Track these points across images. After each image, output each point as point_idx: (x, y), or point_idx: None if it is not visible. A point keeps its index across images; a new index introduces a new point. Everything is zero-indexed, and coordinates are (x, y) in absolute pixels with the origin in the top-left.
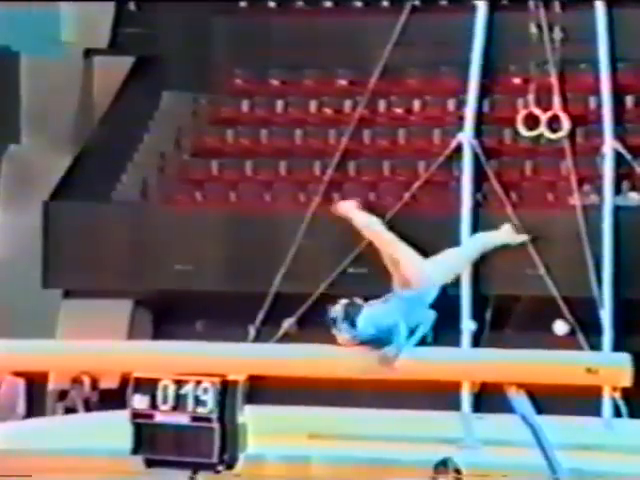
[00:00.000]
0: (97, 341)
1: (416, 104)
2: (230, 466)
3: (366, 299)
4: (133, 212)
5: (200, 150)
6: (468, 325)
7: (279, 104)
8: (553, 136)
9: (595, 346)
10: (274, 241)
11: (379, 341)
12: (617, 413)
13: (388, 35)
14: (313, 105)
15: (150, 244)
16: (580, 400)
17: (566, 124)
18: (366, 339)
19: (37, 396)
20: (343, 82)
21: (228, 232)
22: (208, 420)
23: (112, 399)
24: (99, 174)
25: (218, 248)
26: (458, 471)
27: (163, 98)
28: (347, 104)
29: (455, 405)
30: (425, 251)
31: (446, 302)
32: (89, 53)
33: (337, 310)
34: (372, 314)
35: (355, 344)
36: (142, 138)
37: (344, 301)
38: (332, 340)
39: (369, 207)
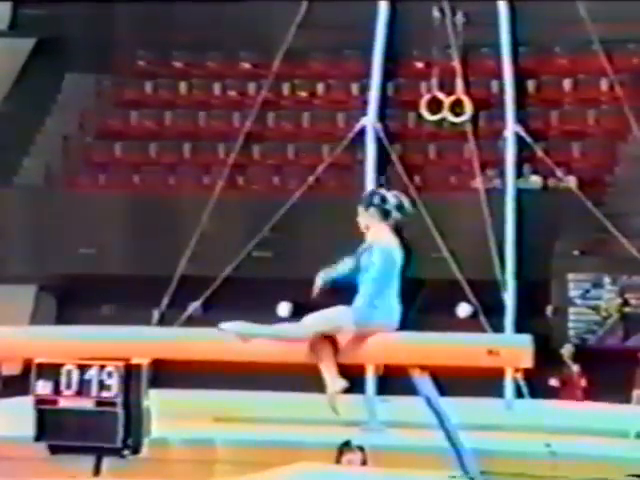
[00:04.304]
0: None
1: (320, 88)
2: (135, 451)
3: (271, 282)
4: (35, 196)
5: (103, 132)
6: None
7: (182, 86)
8: (456, 120)
9: (498, 328)
10: (178, 224)
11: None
12: (520, 394)
13: (292, 18)
14: (217, 87)
15: (53, 228)
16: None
17: (469, 108)
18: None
19: None
20: (246, 65)
21: (132, 215)
22: (113, 405)
23: (15, 386)
24: (1, 158)
25: (122, 231)
26: (362, 449)
27: (66, 80)
28: (251, 87)
29: (360, 388)
30: (328, 233)
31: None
32: None
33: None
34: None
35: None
36: (45, 121)
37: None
38: None
39: (273, 190)
